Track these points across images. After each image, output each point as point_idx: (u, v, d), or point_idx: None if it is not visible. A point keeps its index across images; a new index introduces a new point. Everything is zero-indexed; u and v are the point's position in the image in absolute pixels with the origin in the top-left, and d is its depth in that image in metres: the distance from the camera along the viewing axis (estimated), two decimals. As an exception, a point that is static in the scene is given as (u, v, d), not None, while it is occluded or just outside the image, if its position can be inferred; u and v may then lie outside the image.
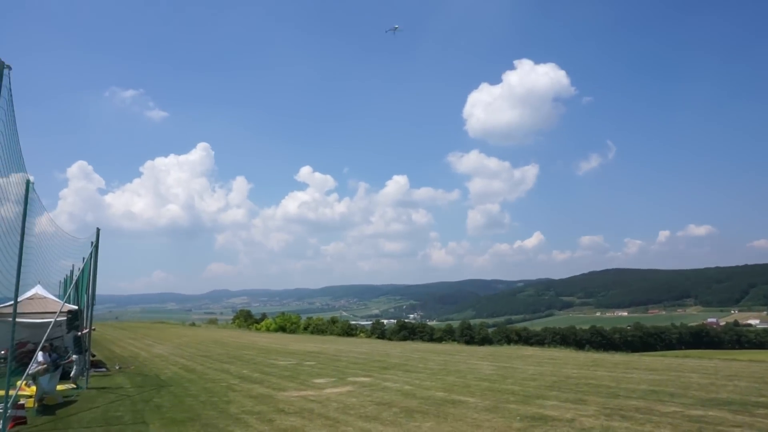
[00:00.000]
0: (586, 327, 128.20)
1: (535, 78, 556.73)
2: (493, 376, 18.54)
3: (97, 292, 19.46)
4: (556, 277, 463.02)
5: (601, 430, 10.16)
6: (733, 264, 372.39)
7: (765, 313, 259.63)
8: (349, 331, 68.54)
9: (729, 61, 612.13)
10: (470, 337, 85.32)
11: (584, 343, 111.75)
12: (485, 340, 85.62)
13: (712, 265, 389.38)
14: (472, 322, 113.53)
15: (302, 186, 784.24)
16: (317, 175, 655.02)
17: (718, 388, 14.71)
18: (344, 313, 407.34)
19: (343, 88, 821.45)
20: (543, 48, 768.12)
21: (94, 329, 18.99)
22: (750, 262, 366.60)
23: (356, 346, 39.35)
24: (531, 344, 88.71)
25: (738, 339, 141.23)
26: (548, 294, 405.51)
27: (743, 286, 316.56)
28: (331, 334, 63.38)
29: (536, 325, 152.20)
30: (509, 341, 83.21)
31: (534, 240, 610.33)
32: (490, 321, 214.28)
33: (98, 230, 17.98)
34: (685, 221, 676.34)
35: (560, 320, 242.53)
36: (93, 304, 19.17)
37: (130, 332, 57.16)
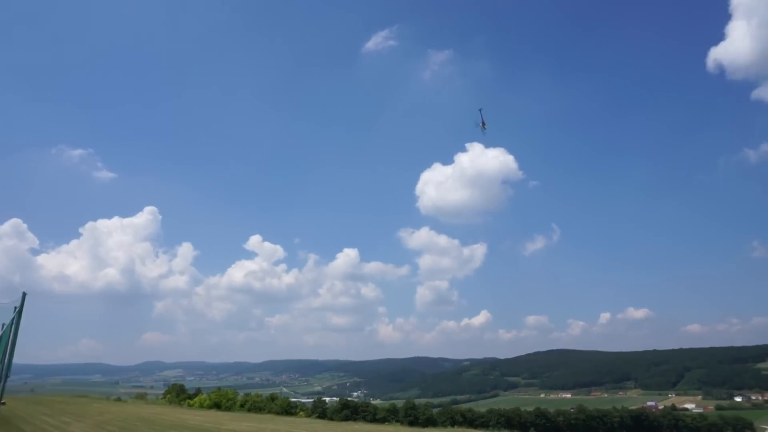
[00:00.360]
0: (530, 409, 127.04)
1: (486, 161, 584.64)
2: (436, 461, 17.83)
3: (14, 361, 17.80)
4: (502, 357, 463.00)
5: None
6: (670, 347, 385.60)
7: (700, 397, 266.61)
8: (289, 410, 65.27)
9: (664, 155, 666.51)
10: (414, 417, 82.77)
11: (529, 425, 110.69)
12: (429, 422, 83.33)
13: (650, 348, 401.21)
14: (417, 401, 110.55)
15: (250, 255, 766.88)
16: (267, 244, 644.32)
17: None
18: (285, 390, 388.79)
19: (299, 158, 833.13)
20: (493, 133, 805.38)
21: (3, 403, 17.16)
22: (684, 346, 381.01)
23: (295, 426, 37.37)
24: (476, 426, 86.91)
25: (675, 423, 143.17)
26: (494, 374, 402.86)
27: (679, 370, 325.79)
28: (270, 412, 60.11)
29: (481, 406, 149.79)
30: (454, 423, 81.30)
31: (481, 318, 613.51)
32: (436, 401, 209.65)
33: (24, 295, 16.77)
34: (625, 304, 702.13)
35: (505, 401, 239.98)
36: (7, 376, 17.50)
37: (46, 407, 52.19)
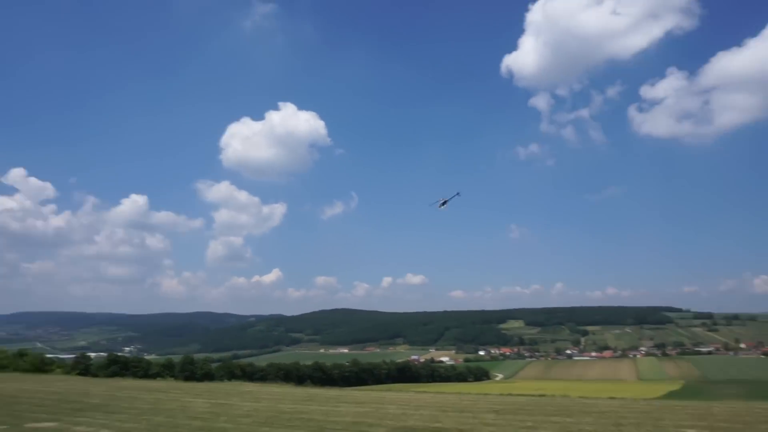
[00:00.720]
0: (309, 363, 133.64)
1: (296, 123, 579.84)
2: (206, 414, 17.71)
3: None
4: (289, 314, 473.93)
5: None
6: (437, 310, 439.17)
7: (453, 351, 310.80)
8: (42, 367, 57.86)
9: (456, 141, 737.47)
10: (191, 372, 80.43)
11: (306, 378, 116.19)
12: (207, 376, 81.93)
13: (421, 310, 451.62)
14: (196, 356, 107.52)
15: (9, 190, 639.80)
16: (33, 180, 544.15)
17: (407, 417, 16.80)
18: (40, 345, 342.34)
19: (89, 88, 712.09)
20: (307, 96, 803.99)
21: None
22: (448, 309, 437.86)
23: (48, 384, 33.36)
24: (254, 380, 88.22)
25: (432, 373, 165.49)
26: (278, 330, 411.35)
27: (441, 329, 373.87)
28: (17, 370, 52.57)
29: (262, 361, 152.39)
30: (233, 377, 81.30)
31: (272, 276, 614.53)
32: (216, 356, 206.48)
33: None
34: (405, 270, 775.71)
35: (286, 356, 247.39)
36: None
37: None
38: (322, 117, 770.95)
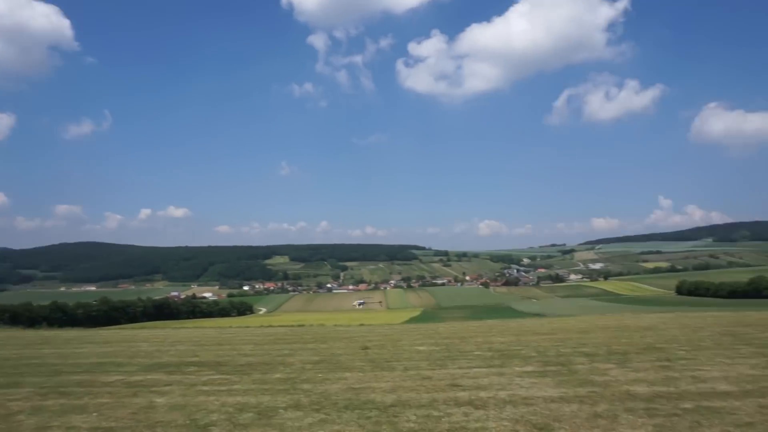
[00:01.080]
0: (46, 303, 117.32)
1: (31, 15, 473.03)
2: None
3: None
4: (18, 247, 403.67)
5: (32, 411, 9.34)
6: (201, 245, 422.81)
7: (217, 287, 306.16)
8: None
9: (233, 69, 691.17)
10: None
11: (41, 320, 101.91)
12: None
13: (183, 245, 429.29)
14: None
15: None
16: None
17: (161, 354, 16.11)
18: None
19: None
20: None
21: None
22: (213, 244, 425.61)
23: None
24: (-31, 325, 74.23)
25: (193, 309, 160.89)
26: (3, 266, 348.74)
27: (205, 265, 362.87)
28: None
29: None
30: (-64, 323, 66.98)
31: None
32: None
33: None
34: (167, 202, 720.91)
35: (15, 296, 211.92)
36: None
37: None
38: (67, 14, 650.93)
